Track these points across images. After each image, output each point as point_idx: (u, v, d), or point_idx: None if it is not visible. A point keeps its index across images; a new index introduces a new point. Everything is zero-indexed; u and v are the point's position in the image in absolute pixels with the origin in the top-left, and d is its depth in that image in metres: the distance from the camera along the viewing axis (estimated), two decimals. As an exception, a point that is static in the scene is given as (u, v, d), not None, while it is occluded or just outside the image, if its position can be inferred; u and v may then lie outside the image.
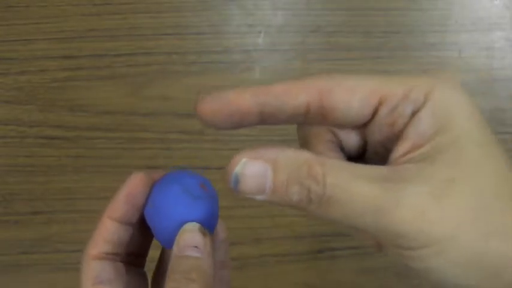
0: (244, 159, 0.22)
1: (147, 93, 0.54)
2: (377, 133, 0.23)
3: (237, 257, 0.51)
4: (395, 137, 0.23)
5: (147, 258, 0.31)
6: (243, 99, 0.22)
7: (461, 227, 0.20)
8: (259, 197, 0.22)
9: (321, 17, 0.55)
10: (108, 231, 0.28)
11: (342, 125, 0.24)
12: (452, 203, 0.20)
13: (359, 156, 0.25)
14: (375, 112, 0.22)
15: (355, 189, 0.20)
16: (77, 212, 0.52)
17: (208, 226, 0.27)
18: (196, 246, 0.25)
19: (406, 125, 0.22)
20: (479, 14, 0.55)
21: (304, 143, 0.25)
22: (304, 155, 0.22)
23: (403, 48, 0.55)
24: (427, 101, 0.22)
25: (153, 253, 0.31)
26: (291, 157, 0.21)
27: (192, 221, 0.26)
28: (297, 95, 0.22)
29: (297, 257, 0.51)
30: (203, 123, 0.23)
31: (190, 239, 0.25)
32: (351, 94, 0.22)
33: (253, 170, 0.22)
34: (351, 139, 0.25)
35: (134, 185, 0.28)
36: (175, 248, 0.25)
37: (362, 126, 0.24)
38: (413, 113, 0.22)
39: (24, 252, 0.52)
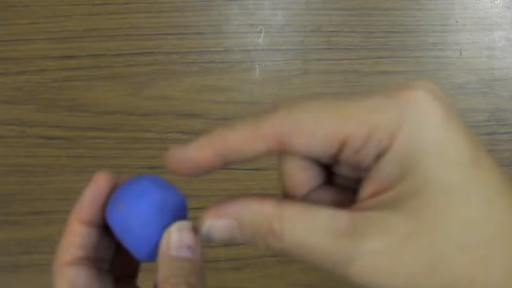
0: (208, 222, 0.23)
1: (147, 93, 0.54)
2: (344, 168, 0.23)
3: (237, 257, 0.51)
4: (363, 175, 0.22)
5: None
6: (203, 155, 0.23)
7: (416, 280, 0.20)
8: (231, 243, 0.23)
9: (321, 17, 0.55)
10: (77, 235, 0.27)
11: (308, 160, 0.24)
12: (406, 259, 0.20)
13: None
14: (339, 151, 0.22)
15: (311, 245, 0.21)
16: (76, 212, 0.52)
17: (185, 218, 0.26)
18: (189, 246, 0.25)
19: (371, 166, 0.21)
20: (479, 14, 0.55)
21: (280, 161, 0.25)
22: (265, 211, 0.22)
23: (403, 48, 0.54)
24: (391, 145, 0.21)
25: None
26: (253, 213, 0.22)
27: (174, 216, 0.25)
28: (254, 144, 0.22)
29: (297, 257, 0.51)
30: (175, 173, 0.24)
31: (184, 238, 0.25)
32: (311, 138, 0.21)
33: (221, 228, 0.23)
34: (317, 169, 0.24)
35: (100, 185, 0.27)
36: (166, 249, 0.24)
37: (329, 161, 0.23)
38: (378, 156, 0.21)
39: (24, 252, 0.52)
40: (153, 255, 0.25)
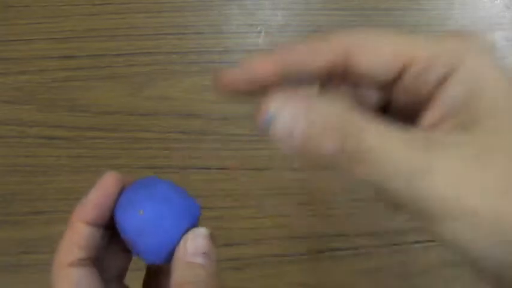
0: (275, 105, 0.20)
1: (147, 93, 0.54)
2: (402, 95, 0.22)
3: (237, 257, 0.51)
4: (423, 102, 0.22)
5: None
6: (268, 65, 0.21)
7: (499, 199, 0.19)
8: (289, 145, 0.21)
9: (321, 17, 0.55)
10: (81, 236, 0.26)
11: (365, 84, 0.23)
12: (491, 172, 0.19)
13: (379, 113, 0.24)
14: (400, 75, 0.21)
15: (390, 148, 0.19)
16: (76, 212, 0.52)
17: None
18: (204, 253, 0.24)
19: (433, 91, 0.21)
20: (479, 13, 0.55)
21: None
22: (342, 104, 0.20)
23: (403, 48, 0.54)
24: (457, 68, 0.20)
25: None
26: (329, 105, 0.20)
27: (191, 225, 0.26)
28: (322, 54, 0.21)
29: (297, 257, 0.51)
30: (220, 94, 0.22)
31: (200, 245, 0.25)
32: (375, 55, 0.21)
33: (290, 111, 0.20)
34: (373, 96, 0.23)
35: (109, 186, 0.27)
36: (183, 255, 0.24)
37: (387, 86, 0.22)
38: (441, 81, 0.21)
39: (24, 252, 0.52)
40: (165, 259, 0.26)
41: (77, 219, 0.27)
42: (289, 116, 0.20)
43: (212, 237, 0.25)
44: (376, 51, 0.21)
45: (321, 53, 0.22)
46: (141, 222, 0.25)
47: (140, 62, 0.54)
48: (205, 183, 0.52)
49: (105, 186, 0.27)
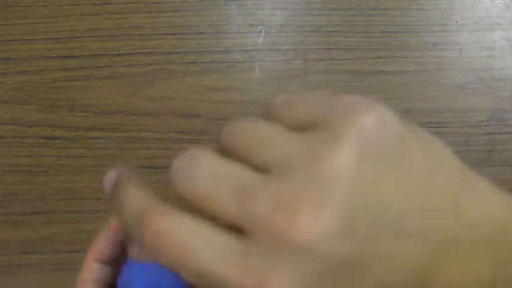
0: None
1: (147, 93, 0.54)
2: None
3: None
4: None
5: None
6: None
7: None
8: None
9: (321, 17, 0.55)
10: (96, 274, 0.29)
11: None
12: None
13: None
14: None
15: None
16: (76, 212, 0.52)
17: None
18: None
19: None
20: (480, 13, 0.55)
21: None
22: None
23: (403, 48, 0.54)
24: None
25: None
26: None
27: None
28: None
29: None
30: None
31: None
32: None
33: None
34: None
35: (117, 226, 0.29)
36: None
37: None
38: None
39: (24, 252, 0.52)
40: None
41: (91, 259, 0.29)
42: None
43: None
44: None
45: None
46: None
47: (140, 62, 0.54)
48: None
49: (114, 227, 0.29)
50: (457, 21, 0.55)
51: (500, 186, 0.24)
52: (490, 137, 0.54)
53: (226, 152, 0.21)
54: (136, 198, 0.21)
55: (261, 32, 0.55)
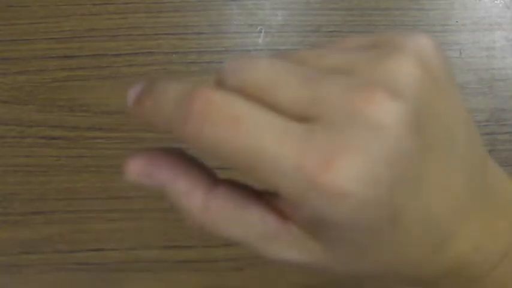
0: (130, 167, 0.21)
1: (147, 93, 0.54)
2: None
3: (237, 257, 0.51)
4: None
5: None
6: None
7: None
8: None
9: (321, 17, 0.55)
10: None
11: None
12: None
13: None
14: None
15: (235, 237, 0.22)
16: (77, 212, 0.52)
17: None
18: None
19: None
20: (480, 13, 0.55)
21: None
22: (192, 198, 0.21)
23: (403, 48, 0.54)
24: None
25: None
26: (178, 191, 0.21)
27: None
28: None
29: (297, 257, 0.51)
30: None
31: None
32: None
33: (136, 175, 0.22)
34: None
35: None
36: None
37: None
38: None
39: (24, 252, 0.52)
40: None
41: None
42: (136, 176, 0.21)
43: None
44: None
45: None
46: None
47: (140, 62, 0.54)
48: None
49: None
50: (457, 21, 0.55)
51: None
52: (490, 137, 0.54)
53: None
54: (177, 87, 0.19)
55: (261, 32, 0.55)
